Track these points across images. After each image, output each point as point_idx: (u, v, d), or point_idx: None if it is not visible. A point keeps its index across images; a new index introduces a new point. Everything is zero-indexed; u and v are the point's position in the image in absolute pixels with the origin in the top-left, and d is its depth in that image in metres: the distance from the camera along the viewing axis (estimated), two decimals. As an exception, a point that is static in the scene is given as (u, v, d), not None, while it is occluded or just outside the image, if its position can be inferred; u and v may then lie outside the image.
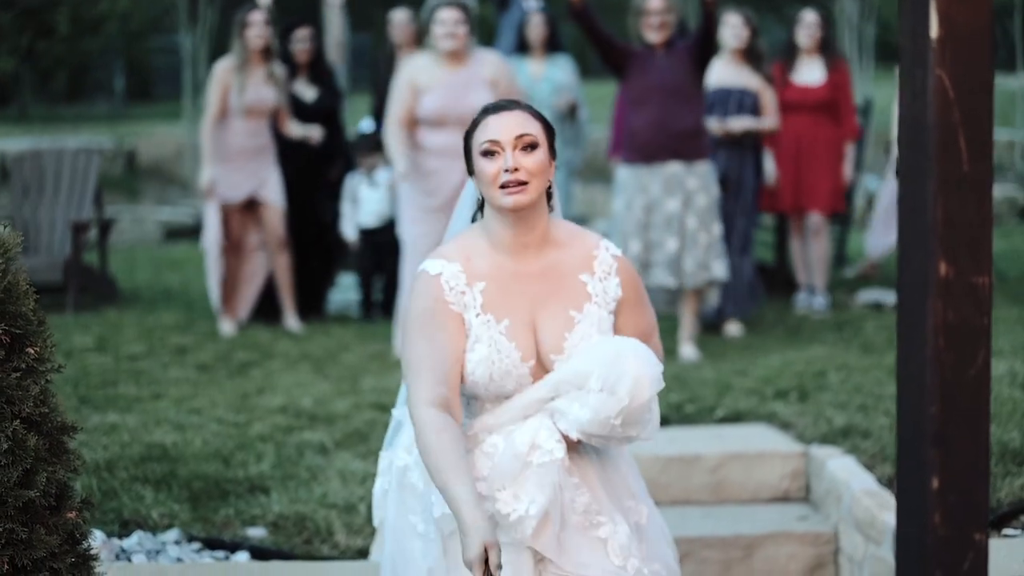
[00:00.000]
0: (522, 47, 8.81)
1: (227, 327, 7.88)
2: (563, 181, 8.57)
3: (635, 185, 7.07)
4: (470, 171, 3.06)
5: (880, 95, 11.98)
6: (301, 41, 8.41)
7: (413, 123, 7.10)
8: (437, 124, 7.01)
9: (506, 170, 2.94)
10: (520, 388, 2.98)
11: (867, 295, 8.49)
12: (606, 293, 3.06)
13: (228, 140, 7.91)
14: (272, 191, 8.01)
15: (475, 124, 3.04)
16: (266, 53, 7.94)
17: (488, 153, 2.98)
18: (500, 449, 2.95)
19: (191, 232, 12.61)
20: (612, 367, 2.90)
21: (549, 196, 3.07)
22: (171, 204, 13.43)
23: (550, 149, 3.03)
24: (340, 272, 9.05)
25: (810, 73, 8.29)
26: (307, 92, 8.38)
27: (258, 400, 6.11)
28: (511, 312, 2.99)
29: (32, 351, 2.88)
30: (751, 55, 7.79)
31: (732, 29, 7.77)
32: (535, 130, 3.01)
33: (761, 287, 8.13)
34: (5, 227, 2.90)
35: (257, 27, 7.88)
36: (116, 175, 13.54)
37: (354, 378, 6.64)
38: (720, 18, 7.82)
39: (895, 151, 8.12)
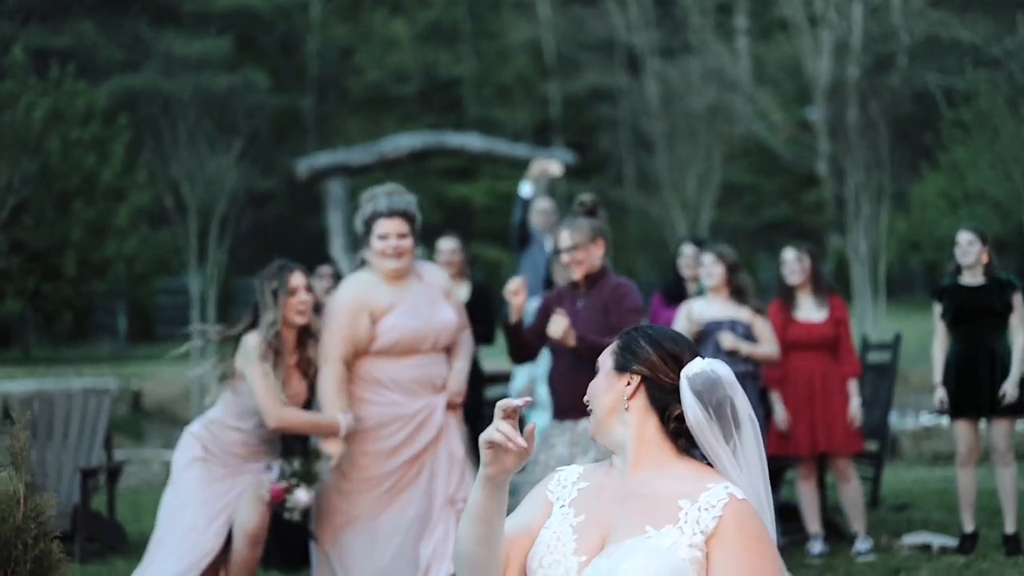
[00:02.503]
0: (547, 285, 8.72)
1: None
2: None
3: (539, 437, 6.44)
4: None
5: (896, 329, 11.72)
6: (323, 279, 8.06)
7: (360, 356, 5.98)
8: (406, 352, 6.00)
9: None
10: None
11: (913, 537, 8.07)
12: (696, 523, 2.76)
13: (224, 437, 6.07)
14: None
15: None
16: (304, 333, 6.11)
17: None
18: None
19: (197, 475, 12.23)
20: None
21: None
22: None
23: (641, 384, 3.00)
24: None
25: (810, 310, 7.98)
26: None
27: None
28: (591, 512, 2.91)
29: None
30: (733, 290, 7.62)
31: (705, 268, 7.66)
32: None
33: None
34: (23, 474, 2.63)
35: (299, 295, 6.03)
36: (121, 416, 13.24)
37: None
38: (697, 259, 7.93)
39: (940, 392, 7.83)
